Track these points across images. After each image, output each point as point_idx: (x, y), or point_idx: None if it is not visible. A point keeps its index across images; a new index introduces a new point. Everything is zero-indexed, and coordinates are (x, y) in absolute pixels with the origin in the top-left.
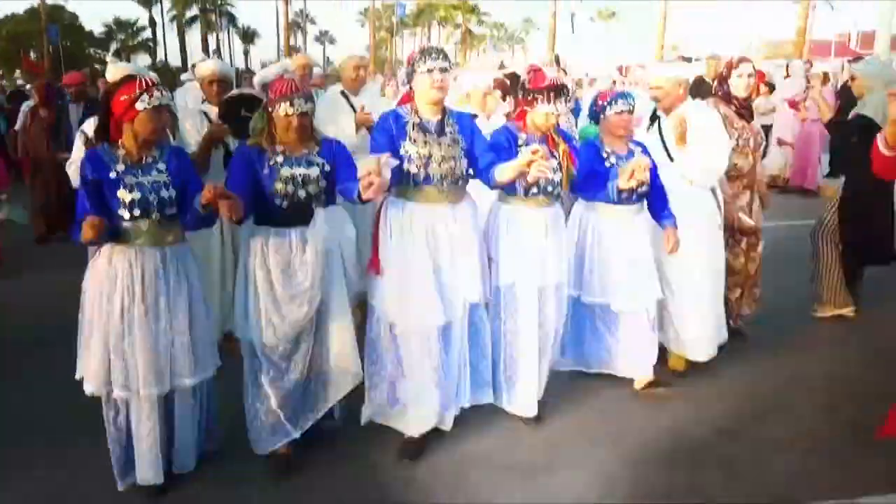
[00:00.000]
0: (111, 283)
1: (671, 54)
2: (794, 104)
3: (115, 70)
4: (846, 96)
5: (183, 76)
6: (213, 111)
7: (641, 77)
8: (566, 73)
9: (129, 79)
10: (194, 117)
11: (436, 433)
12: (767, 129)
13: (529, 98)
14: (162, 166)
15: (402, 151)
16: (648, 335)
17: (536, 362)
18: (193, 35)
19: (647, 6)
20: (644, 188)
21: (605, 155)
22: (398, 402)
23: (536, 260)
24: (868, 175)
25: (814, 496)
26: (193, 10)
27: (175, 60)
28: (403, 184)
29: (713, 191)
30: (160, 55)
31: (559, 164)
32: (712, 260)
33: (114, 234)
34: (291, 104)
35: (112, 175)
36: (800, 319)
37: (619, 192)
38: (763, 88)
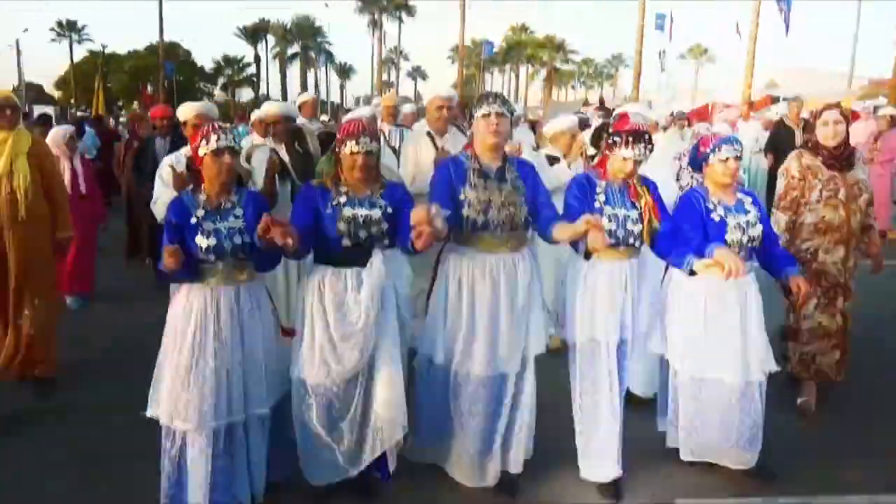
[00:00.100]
0: (186, 318)
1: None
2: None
3: (185, 109)
4: None
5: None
6: (281, 148)
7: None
8: (610, 114)
9: (197, 122)
10: (263, 153)
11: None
12: None
13: (610, 142)
14: (239, 212)
15: (461, 197)
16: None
17: (617, 422)
18: (294, 70)
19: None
20: (756, 243)
21: (711, 206)
22: (445, 445)
23: (615, 314)
24: None
25: None
26: (295, 48)
27: (276, 93)
28: (462, 230)
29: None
30: (262, 89)
31: (640, 215)
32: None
33: (192, 272)
34: (357, 142)
35: (192, 221)
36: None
37: (729, 248)
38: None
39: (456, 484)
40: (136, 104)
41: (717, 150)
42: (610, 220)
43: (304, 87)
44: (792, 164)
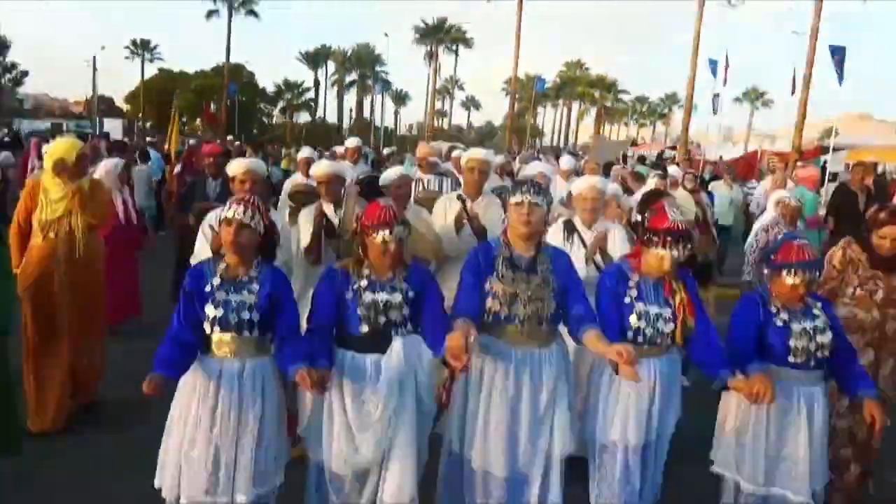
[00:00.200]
0: (191, 390)
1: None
2: None
3: (234, 165)
4: None
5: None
6: (329, 207)
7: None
8: (666, 172)
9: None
10: (310, 211)
11: None
12: None
13: (646, 238)
14: (255, 287)
15: (486, 286)
16: None
17: None
18: (350, 95)
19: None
20: (825, 351)
21: (773, 310)
22: None
23: (641, 416)
24: None
25: None
26: (353, 76)
27: (332, 118)
28: (487, 320)
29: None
30: (319, 113)
31: (673, 313)
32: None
33: (202, 344)
34: (391, 232)
35: (207, 288)
36: None
37: (793, 355)
38: None
39: None
40: (198, 121)
41: (791, 271)
42: (640, 318)
43: (360, 113)
44: (837, 253)
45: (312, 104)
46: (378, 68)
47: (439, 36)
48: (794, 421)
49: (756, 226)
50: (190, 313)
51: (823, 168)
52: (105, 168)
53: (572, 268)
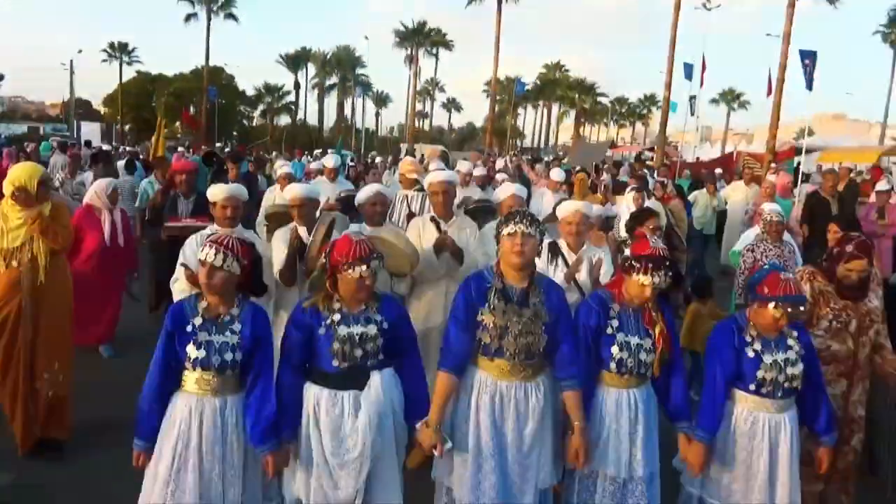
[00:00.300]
0: (170, 427)
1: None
2: None
3: (214, 191)
4: None
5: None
6: (302, 229)
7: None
8: (646, 183)
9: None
10: (284, 234)
11: None
12: None
13: (627, 265)
14: (237, 327)
15: (478, 317)
16: None
17: None
18: (331, 98)
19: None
20: (794, 383)
21: (748, 338)
22: None
23: (622, 445)
24: None
25: None
26: (334, 79)
27: (313, 120)
28: (476, 351)
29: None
30: (300, 115)
31: (653, 343)
32: None
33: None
34: (368, 267)
35: (188, 328)
36: None
37: (761, 385)
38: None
39: None
40: (178, 124)
41: (777, 304)
42: (621, 349)
43: (340, 116)
44: (804, 287)
45: (293, 107)
46: (359, 71)
47: (419, 39)
48: (758, 447)
49: (738, 246)
50: (171, 356)
51: (797, 170)
52: (96, 189)
53: (564, 302)
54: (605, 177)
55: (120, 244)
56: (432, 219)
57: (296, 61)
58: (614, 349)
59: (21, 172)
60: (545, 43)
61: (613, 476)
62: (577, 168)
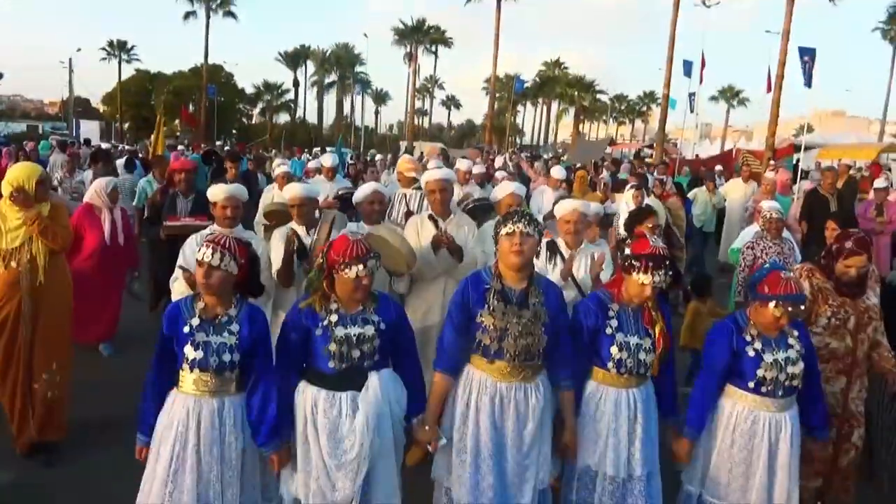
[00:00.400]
0: (167, 428)
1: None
2: None
3: (215, 191)
4: None
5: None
6: (301, 229)
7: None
8: (645, 182)
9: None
10: (282, 233)
11: None
12: None
13: (627, 264)
14: (235, 328)
15: (477, 319)
16: None
17: None
18: (330, 95)
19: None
20: (795, 381)
21: (748, 338)
22: None
23: (621, 444)
24: None
25: None
26: (333, 76)
27: (312, 118)
28: (475, 352)
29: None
30: (299, 113)
31: (653, 343)
32: None
33: (170, 382)
34: (365, 266)
35: (185, 329)
36: None
37: (762, 384)
38: None
39: None
40: (177, 122)
41: (777, 303)
42: (621, 349)
43: (339, 113)
44: (804, 283)
45: (292, 105)
46: (358, 68)
47: (418, 37)
48: (757, 446)
49: (737, 243)
50: (168, 358)
51: (796, 167)
52: (96, 188)
53: (563, 302)
54: (605, 174)
55: (120, 243)
56: (430, 217)
57: (295, 59)
58: (613, 349)
59: (19, 173)
60: (544, 40)
61: (612, 475)
62: (578, 165)
